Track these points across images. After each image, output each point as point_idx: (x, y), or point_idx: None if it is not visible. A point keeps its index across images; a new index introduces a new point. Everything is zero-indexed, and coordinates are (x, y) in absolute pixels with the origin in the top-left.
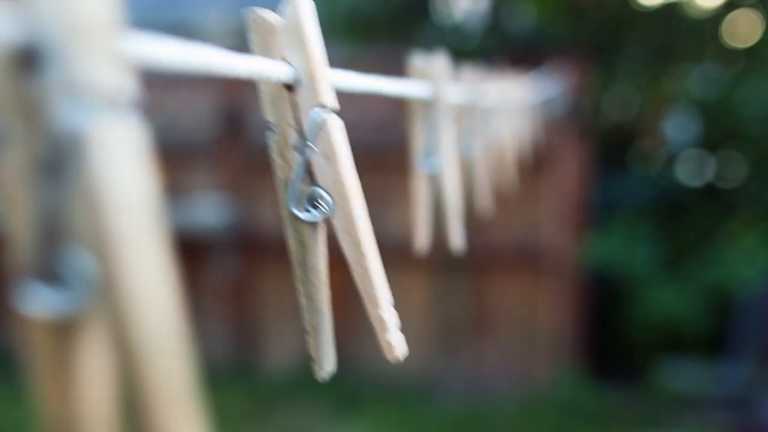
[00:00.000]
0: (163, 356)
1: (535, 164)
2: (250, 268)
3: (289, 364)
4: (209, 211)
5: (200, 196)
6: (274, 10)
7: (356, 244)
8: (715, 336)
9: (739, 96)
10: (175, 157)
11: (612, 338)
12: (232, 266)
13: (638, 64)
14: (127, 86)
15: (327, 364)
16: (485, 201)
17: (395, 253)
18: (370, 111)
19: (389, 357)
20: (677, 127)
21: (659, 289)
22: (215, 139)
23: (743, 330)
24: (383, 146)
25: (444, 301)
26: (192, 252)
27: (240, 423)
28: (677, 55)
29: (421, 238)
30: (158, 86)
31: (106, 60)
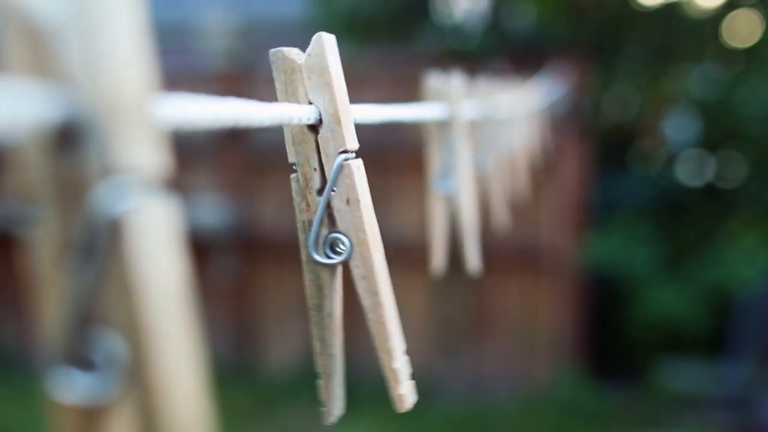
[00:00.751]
0: None
1: (537, 165)
2: (250, 268)
3: (289, 364)
4: (209, 211)
5: (200, 196)
6: (286, 41)
7: (374, 293)
8: (715, 336)
9: (739, 96)
10: (175, 157)
11: (612, 338)
12: (233, 266)
13: (638, 64)
14: (163, 166)
15: (336, 409)
16: (501, 215)
17: (395, 253)
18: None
19: (399, 409)
20: (677, 127)
21: (659, 289)
22: (215, 139)
23: (743, 330)
24: (384, 146)
25: (444, 301)
26: (192, 252)
27: (240, 423)
28: (677, 55)
29: (439, 259)
30: (157, 85)
31: (143, 139)
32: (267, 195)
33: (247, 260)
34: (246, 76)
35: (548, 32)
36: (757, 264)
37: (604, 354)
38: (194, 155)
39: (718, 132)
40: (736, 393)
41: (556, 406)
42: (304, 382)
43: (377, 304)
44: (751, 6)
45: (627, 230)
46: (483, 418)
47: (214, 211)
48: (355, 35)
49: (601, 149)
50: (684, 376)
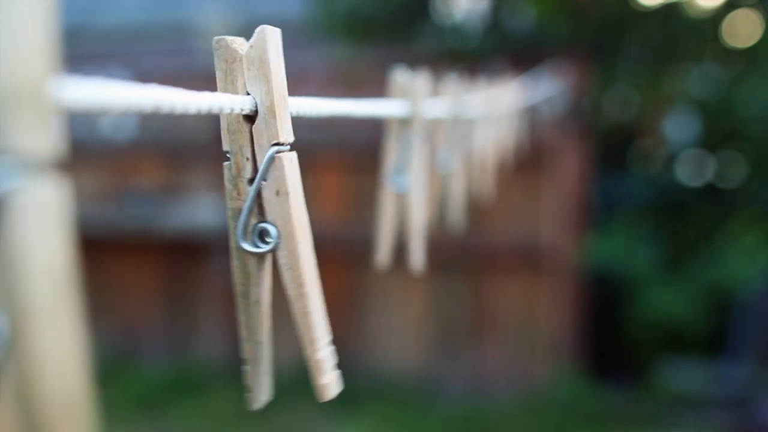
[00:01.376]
0: (65, 418)
1: (535, 164)
2: None
3: (289, 364)
4: (209, 211)
5: (200, 196)
6: (247, 36)
7: (299, 284)
8: (715, 336)
9: (739, 96)
10: (175, 157)
11: (612, 338)
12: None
13: (638, 64)
14: (55, 150)
15: (262, 395)
16: (459, 214)
17: (395, 253)
18: None
19: (321, 398)
20: (677, 127)
21: (659, 289)
22: (215, 139)
23: (743, 330)
24: (383, 146)
25: (444, 301)
26: (192, 252)
27: (240, 423)
28: (677, 55)
29: (383, 254)
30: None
31: (36, 122)
32: None
33: None
34: None
35: (548, 32)
36: (757, 264)
37: (604, 354)
38: (194, 155)
39: (718, 132)
40: (736, 393)
41: (556, 406)
42: (304, 382)
43: (302, 295)
44: (751, 6)
45: (627, 230)
46: (483, 418)
47: (214, 211)
48: (355, 35)
49: (601, 149)
50: (684, 376)
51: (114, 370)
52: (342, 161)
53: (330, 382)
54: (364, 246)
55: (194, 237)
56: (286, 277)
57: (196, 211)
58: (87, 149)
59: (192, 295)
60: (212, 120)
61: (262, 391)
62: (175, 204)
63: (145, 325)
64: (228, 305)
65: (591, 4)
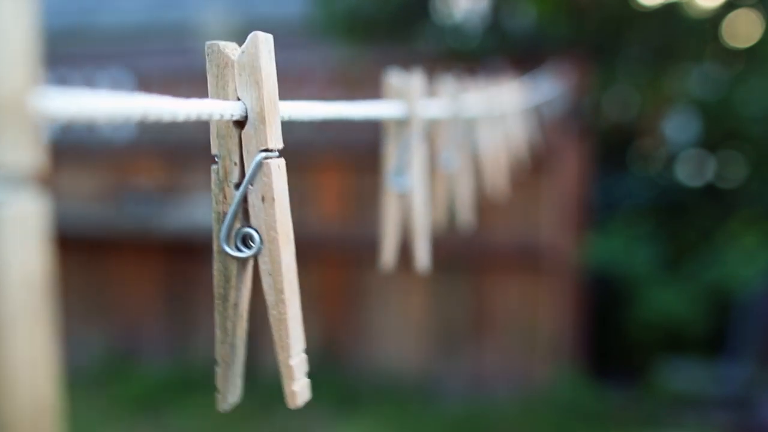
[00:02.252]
0: (33, 430)
1: (535, 164)
2: None
3: None
4: (209, 211)
5: (200, 196)
6: (238, 42)
7: (278, 290)
8: (715, 336)
9: (739, 96)
10: (175, 157)
11: (612, 338)
12: None
13: (638, 64)
14: (37, 164)
15: (231, 396)
16: (467, 213)
17: (395, 253)
18: None
19: (291, 405)
20: (677, 127)
21: (659, 289)
22: None
23: (743, 330)
24: (382, 147)
25: (444, 301)
26: (192, 252)
27: (240, 423)
28: (677, 55)
29: (388, 255)
30: (158, 85)
31: (18, 136)
32: None
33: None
34: None
35: (548, 32)
36: (757, 264)
37: (604, 354)
38: (194, 155)
39: (718, 132)
40: (736, 393)
41: (556, 406)
42: None
43: (280, 302)
44: (751, 6)
45: (627, 230)
46: (483, 418)
47: None
48: (355, 35)
49: (601, 149)
50: (684, 376)
51: (114, 370)
52: (342, 161)
53: (301, 389)
54: (364, 246)
55: (194, 237)
56: (266, 282)
57: (196, 211)
58: (87, 149)
59: (192, 295)
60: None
61: (231, 393)
62: (175, 204)
63: (145, 325)
64: None
65: (591, 4)
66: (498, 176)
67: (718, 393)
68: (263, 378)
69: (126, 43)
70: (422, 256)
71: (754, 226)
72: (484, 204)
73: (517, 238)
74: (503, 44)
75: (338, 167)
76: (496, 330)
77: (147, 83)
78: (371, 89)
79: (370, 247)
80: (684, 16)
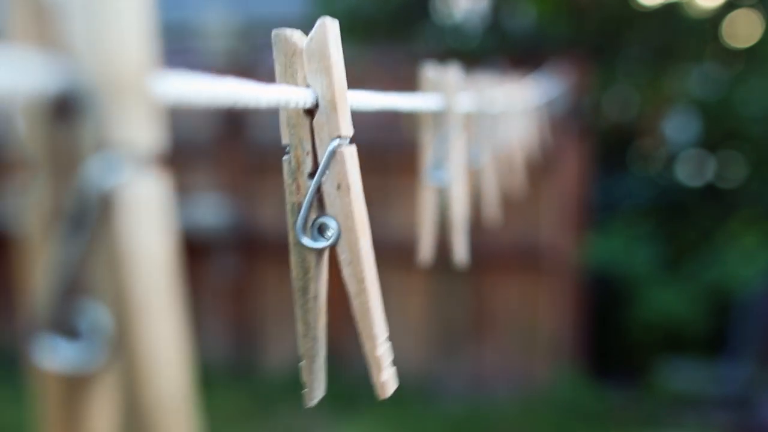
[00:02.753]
0: (170, 417)
1: (536, 164)
2: (250, 268)
3: (289, 364)
4: (209, 211)
5: (200, 196)
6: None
7: (359, 279)
8: (715, 336)
9: (739, 96)
10: (175, 157)
11: (612, 338)
12: (232, 266)
13: (638, 64)
14: (158, 143)
15: (317, 391)
16: (493, 209)
17: (396, 253)
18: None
19: (381, 396)
20: (677, 127)
21: (659, 289)
22: (215, 139)
23: (743, 330)
24: (384, 146)
25: (444, 301)
26: (192, 252)
27: (240, 423)
28: (677, 55)
29: (426, 250)
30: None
31: (139, 115)
32: (267, 195)
33: (247, 260)
34: (246, 76)
35: (548, 32)
36: (757, 264)
37: (604, 354)
38: (194, 155)
39: (718, 132)
40: (736, 393)
41: (556, 406)
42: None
43: (362, 291)
44: (751, 6)
45: (627, 230)
46: (483, 418)
47: (214, 211)
48: (355, 35)
49: (601, 149)
50: (684, 376)
51: None
52: None
53: (389, 378)
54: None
55: (194, 237)
56: (346, 272)
57: (196, 211)
58: None
59: (192, 295)
60: (212, 120)
61: (317, 387)
62: (175, 204)
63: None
64: (229, 305)
65: (591, 4)
66: (515, 174)
67: (718, 393)
68: (263, 378)
69: None
70: (460, 250)
71: (754, 226)
72: (515, 199)
73: (517, 238)
74: (503, 44)
75: None
76: (496, 330)
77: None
78: (371, 89)
79: (372, 247)
80: (684, 16)
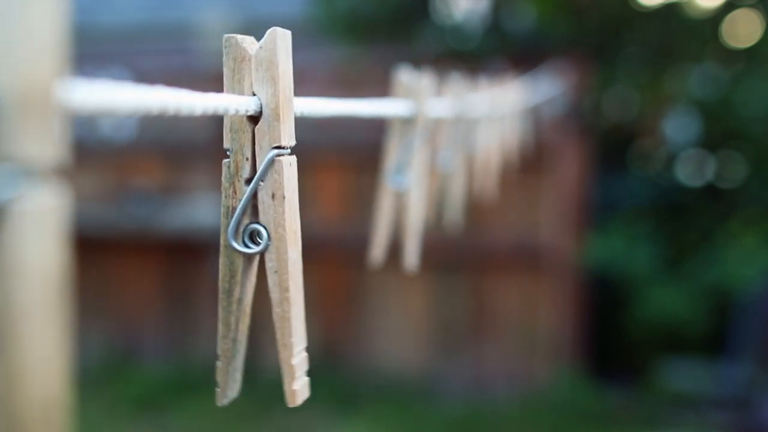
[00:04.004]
0: (43, 426)
1: (536, 164)
2: None
3: None
4: (209, 211)
5: (200, 196)
6: (256, 36)
7: (283, 288)
8: (715, 336)
9: (739, 96)
10: (175, 157)
11: (612, 338)
12: None
13: (638, 64)
14: (58, 159)
15: (231, 391)
16: (457, 213)
17: (395, 253)
18: None
19: (291, 404)
20: (677, 127)
21: (659, 289)
22: (215, 139)
23: (743, 330)
24: (384, 146)
25: (444, 301)
26: (192, 252)
27: (240, 423)
28: (677, 55)
29: (378, 252)
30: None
31: (43, 128)
32: None
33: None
34: None
35: (548, 32)
36: (757, 264)
37: (604, 354)
38: (194, 155)
39: (718, 132)
40: (736, 393)
41: (556, 406)
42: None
43: (285, 300)
44: (751, 6)
45: (627, 230)
46: (483, 418)
47: (213, 211)
48: (355, 35)
49: (601, 149)
50: (684, 376)
51: (114, 370)
52: (342, 161)
53: (301, 387)
54: (364, 246)
55: (194, 237)
56: (271, 280)
57: (196, 211)
58: (87, 149)
59: (192, 295)
60: (212, 120)
61: (231, 387)
62: (175, 204)
63: (145, 325)
64: None
65: (591, 4)
66: (487, 177)
67: (718, 393)
68: (263, 377)
69: (126, 43)
70: (411, 254)
71: (754, 226)
72: (483, 204)
73: (517, 238)
74: (503, 44)
75: (338, 167)
76: (496, 330)
77: (147, 83)
78: (371, 89)
79: (370, 247)
80: (684, 16)
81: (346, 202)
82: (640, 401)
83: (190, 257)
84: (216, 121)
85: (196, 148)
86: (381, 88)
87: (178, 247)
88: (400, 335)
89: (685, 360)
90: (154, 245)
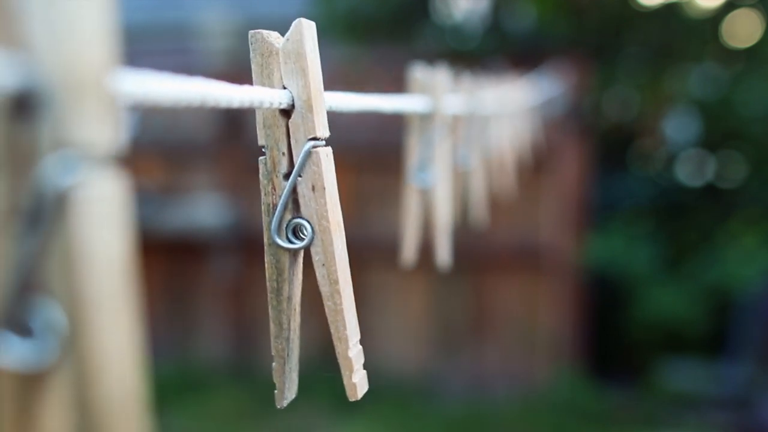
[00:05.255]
0: (121, 416)
1: (535, 164)
2: (250, 268)
3: None
4: (209, 211)
5: (200, 196)
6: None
7: (332, 281)
8: (715, 336)
9: (739, 96)
10: (175, 157)
11: (612, 338)
12: (232, 266)
13: (638, 64)
14: (117, 142)
15: (289, 392)
16: (481, 211)
17: (395, 253)
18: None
19: (351, 397)
20: (677, 127)
21: (659, 289)
22: (215, 139)
23: (743, 330)
24: (383, 146)
25: (444, 301)
26: (192, 252)
27: (240, 423)
28: (677, 55)
29: (409, 251)
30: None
31: (98, 115)
32: None
33: (247, 260)
34: (246, 76)
35: (548, 32)
36: (757, 264)
37: (604, 354)
38: (194, 155)
39: (718, 132)
40: (736, 393)
41: (556, 406)
42: (304, 382)
43: (335, 292)
44: (751, 6)
45: (627, 230)
46: (483, 418)
47: (213, 211)
48: (355, 35)
49: (601, 149)
50: (684, 376)
51: None
52: (343, 161)
53: (360, 380)
54: (365, 246)
55: (194, 237)
56: (320, 273)
57: (196, 211)
58: None
59: (192, 295)
60: (212, 120)
61: (289, 388)
62: (175, 204)
63: (145, 325)
64: (228, 305)
65: (591, 4)
66: (505, 175)
67: (717, 393)
68: (263, 378)
69: (126, 43)
70: (443, 252)
71: (754, 226)
72: (503, 202)
73: (517, 238)
74: (503, 44)
75: (339, 167)
76: (496, 330)
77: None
78: (371, 89)
79: (371, 247)
80: (684, 16)
81: (346, 202)
82: (640, 401)
83: (190, 257)
84: (216, 121)
85: (196, 148)
86: (381, 87)
87: (179, 247)
88: (400, 335)
89: (685, 360)
90: (154, 245)
